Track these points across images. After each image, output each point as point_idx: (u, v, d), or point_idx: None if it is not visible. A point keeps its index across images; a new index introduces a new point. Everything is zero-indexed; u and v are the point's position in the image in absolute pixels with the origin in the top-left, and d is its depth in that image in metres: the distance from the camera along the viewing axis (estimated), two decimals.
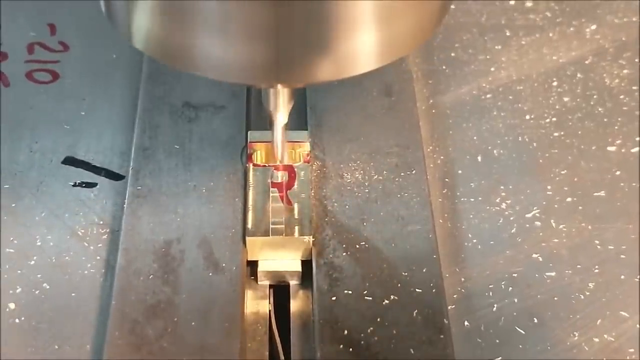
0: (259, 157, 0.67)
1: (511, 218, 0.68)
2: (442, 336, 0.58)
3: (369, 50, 0.52)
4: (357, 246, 0.63)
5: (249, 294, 0.63)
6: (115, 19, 0.55)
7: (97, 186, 0.69)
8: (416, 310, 0.60)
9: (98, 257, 0.64)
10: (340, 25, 0.50)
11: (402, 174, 0.68)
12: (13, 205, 0.67)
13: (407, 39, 0.54)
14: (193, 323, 0.59)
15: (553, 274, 0.65)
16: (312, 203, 0.65)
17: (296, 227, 0.63)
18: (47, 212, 0.67)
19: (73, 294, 0.62)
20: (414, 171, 0.68)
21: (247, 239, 0.63)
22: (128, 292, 0.60)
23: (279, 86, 0.60)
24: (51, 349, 0.59)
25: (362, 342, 0.58)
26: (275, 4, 0.48)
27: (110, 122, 0.74)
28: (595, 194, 0.70)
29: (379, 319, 0.59)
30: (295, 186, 0.66)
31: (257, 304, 0.63)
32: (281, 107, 0.62)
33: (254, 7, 0.48)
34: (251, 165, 0.67)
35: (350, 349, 0.57)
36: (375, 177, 0.68)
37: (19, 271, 0.63)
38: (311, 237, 0.63)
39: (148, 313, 0.59)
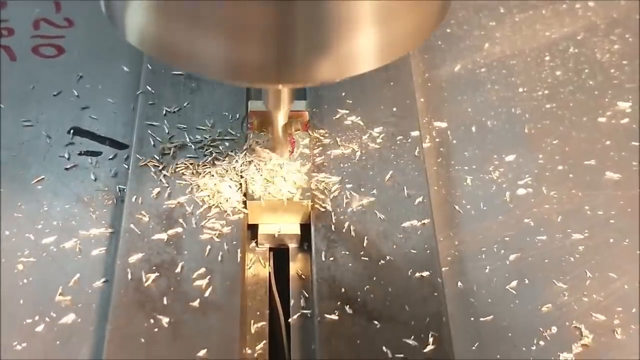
0: (259, 125, 0.69)
1: (504, 185, 0.70)
2: (435, 294, 0.60)
3: (369, 51, 0.53)
4: (354, 210, 0.65)
5: (250, 257, 0.65)
6: (115, 19, 0.56)
7: (102, 155, 0.71)
8: (411, 270, 0.62)
9: (103, 222, 0.66)
10: (341, 26, 0.51)
11: (398, 142, 0.70)
12: (21, 172, 0.69)
13: (407, 39, 0.55)
14: (196, 282, 0.61)
15: (544, 237, 0.67)
16: (311, 169, 0.67)
17: (296, 192, 0.65)
18: (53, 179, 0.69)
19: (79, 256, 0.64)
20: (410, 140, 0.70)
21: (248, 202, 0.65)
22: (133, 252, 0.62)
23: (279, 86, 0.60)
24: (58, 307, 0.61)
25: (359, 300, 0.60)
26: (276, 5, 0.49)
27: (114, 94, 0.76)
28: (586, 162, 0.72)
29: (375, 278, 0.61)
30: (295, 153, 0.68)
31: (258, 267, 0.65)
32: (281, 107, 0.62)
33: (255, 7, 0.49)
34: (251, 133, 0.69)
35: (347, 306, 0.59)
36: (372, 145, 0.70)
37: (27, 235, 0.65)
38: (310, 201, 0.65)
39: (152, 271, 0.61)
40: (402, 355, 0.57)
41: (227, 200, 0.65)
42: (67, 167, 0.70)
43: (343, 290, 0.60)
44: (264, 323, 0.61)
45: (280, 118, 0.64)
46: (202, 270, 0.61)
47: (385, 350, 0.57)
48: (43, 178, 0.69)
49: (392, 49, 0.54)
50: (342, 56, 0.52)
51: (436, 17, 0.56)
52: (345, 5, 0.50)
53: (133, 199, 0.66)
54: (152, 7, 0.52)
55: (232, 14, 0.50)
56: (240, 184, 0.66)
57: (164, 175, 0.67)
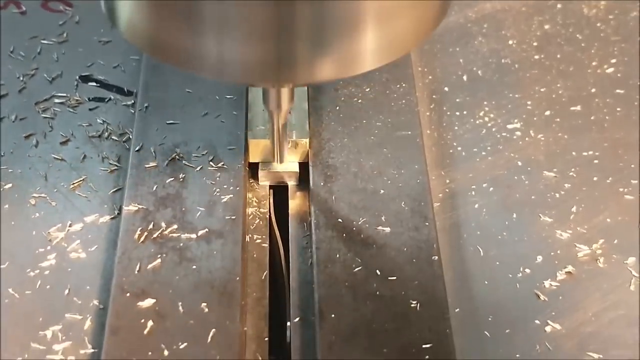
0: None
1: (493, 129, 0.74)
2: (427, 223, 0.64)
3: (370, 50, 0.54)
4: (350, 148, 0.68)
5: (251, 195, 0.69)
6: (113, 17, 0.57)
7: (109, 101, 0.74)
8: (404, 202, 0.65)
9: (111, 162, 0.70)
10: (341, 25, 0.52)
11: (392, 87, 0.73)
12: (31, 117, 0.73)
13: (407, 39, 0.56)
14: (200, 213, 0.64)
15: (531, 176, 0.70)
16: (309, 112, 0.71)
17: (294, 132, 0.69)
18: (63, 122, 0.72)
19: (89, 192, 0.68)
20: (404, 85, 0.73)
21: (250, 141, 0.68)
22: (140, 186, 0.65)
23: (279, 86, 0.61)
24: (69, 239, 0.64)
25: (354, 229, 0.63)
26: (277, 4, 0.50)
27: (121, 47, 0.79)
28: (572, 108, 0.76)
29: (369, 210, 0.64)
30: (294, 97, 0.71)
31: (258, 203, 0.68)
32: (281, 107, 0.63)
33: (255, 7, 0.50)
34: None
35: (343, 235, 0.63)
36: (368, 89, 0.73)
37: (40, 172, 0.68)
38: (308, 140, 0.68)
39: (158, 204, 0.64)
40: (394, 277, 0.60)
41: (229, 140, 0.68)
42: (76, 112, 0.73)
43: (339, 220, 0.64)
44: (264, 246, 0.65)
45: (281, 118, 0.64)
46: (206, 202, 0.64)
47: (378, 273, 0.60)
48: (53, 120, 0.72)
49: (392, 48, 0.55)
50: (343, 56, 0.53)
51: (436, 17, 0.57)
52: (345, 5, 0.51)
53: (140, 138, 0.69)
54: (148, 5, 0.53)
55: (232, 13, 0.50)
56: (242, 126, 0.69)
57: (169, 118, 0.70)
